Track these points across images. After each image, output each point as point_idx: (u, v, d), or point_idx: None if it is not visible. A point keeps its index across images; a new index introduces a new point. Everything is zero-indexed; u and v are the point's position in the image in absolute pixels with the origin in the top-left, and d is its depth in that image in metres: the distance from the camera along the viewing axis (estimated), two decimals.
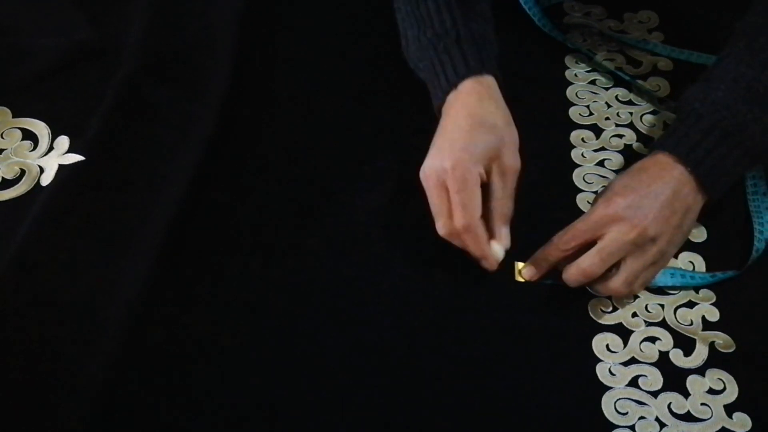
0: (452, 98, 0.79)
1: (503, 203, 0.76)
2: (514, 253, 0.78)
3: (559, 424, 0.69)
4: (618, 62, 0.94)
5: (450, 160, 0.74)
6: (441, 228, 0.75)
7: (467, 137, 0.75)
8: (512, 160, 0.76)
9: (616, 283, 0.73)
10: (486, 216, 0.76)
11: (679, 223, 0.73)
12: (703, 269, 0.78)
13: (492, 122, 0.77)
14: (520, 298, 0.76)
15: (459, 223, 0.74)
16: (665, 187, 0.73)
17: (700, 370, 0.71)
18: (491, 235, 0.76)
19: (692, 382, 0.71)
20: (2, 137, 0.88)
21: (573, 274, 0.73)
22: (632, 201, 0.72)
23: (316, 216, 0.82)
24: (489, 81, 0.80)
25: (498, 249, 0.76)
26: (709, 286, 0.76)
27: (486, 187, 0.75)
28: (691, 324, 0.74)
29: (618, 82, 0.93)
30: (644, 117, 0.89)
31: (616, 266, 0.73)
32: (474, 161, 0.74)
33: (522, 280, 0.77)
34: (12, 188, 0.84)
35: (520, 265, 0.78)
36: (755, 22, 0.78)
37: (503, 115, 0.79)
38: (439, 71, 0.80)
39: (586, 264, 0.72)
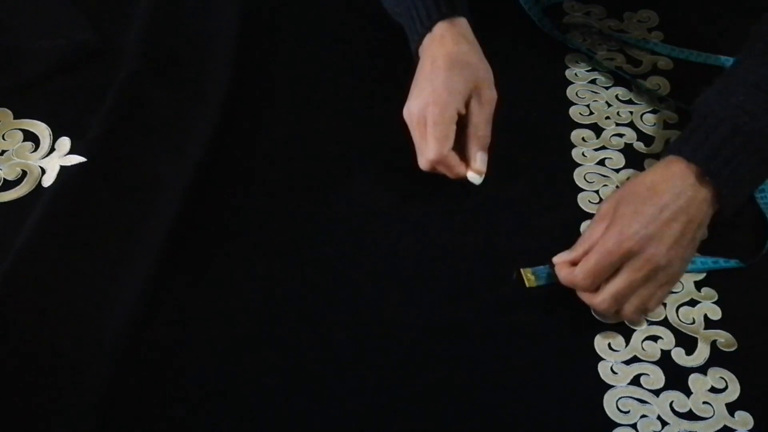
0: (428, 41, 0.83)
1: (479, 127, 0.80)
2: (515, 254, 0.79)
3: (561, 423, 0.69)
4: (618, 61, 0.94)
5: (431, 96, 0.78)
6: (422, 163, 0.80)
7: (446, 75, 0.79)
8: (489, 91, 0.81)
9: (629, 311, 0.71)
10: (464, 144, 0.80)
11: (691, 241, 0.72)
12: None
13: (467, 60, 0.80)
14: (522, 297, 0.76)
15: (431, 155, 0.78)
16: (680, 207, 0.70)
17: (702, 369, 0.71)
18: (467, 161, 0.80)
19: (694, 380, 0.71)
20: (3, 138, 0.88)
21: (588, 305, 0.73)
22: (646, 229, 0.69)
23: (319, 215, 0.82)
24: (461, 22, 0.83)
25: (473, 176, 0.80)
26: (711, 283, 0.77)
27: (463, 120, 0.79)
28: (693, 322, 0.74)
29: (618, 81, 0.93)
30: (644, 116, 0.89)
31: None
32: (453, 97, 0.78)
33: (533, 285, 0.77)
34: (13, 189, 0.84)
35: (528, 272, 0.77)
36: None
37: (477, 53, 0.82)
38: (414, 16, 0.84)
39: (599, 303, 0.71)
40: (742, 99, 0.73)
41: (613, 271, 0.70)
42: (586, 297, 0.73)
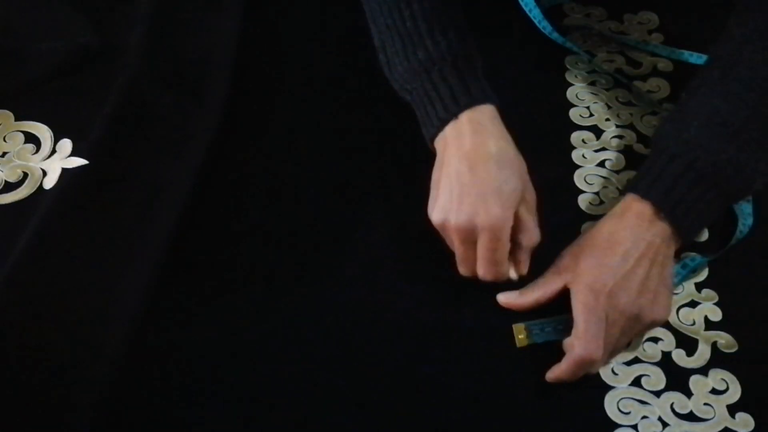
0: (452, 130, 0.75)
1: (531, 235, 0.75)
2: None
3: (562, 423, 0.69)
4: (618, 63, 0.94)
5: (482, 209, 0.71)
6: (465, 272, 0.75)
7: (492, 182, 0.72)
8: (532, 191, 0.76)
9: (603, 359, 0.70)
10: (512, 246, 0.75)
11: (660, 283, 0.70)
12: (706, 270, 0.78)
13: (507, 158, 0.74)
14: None
15: (486, 276, 0.73)
16: (641, 254, 0.70)
17: (703, 370, 0.72)
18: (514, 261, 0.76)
19: (695, 382, 0.71)
20: (5, 140, 0.88)
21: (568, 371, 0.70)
22: (612, 280, 0.69)
23: (320, 218, 0.83)
24: (490, 110, 0.76)
25: (514, 274, 0.76)
26: (711, 285, 0.77)
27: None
28: (694, 324, 0.74)
29: (618, 83, 0.93)
30: (644, 118, 0.90)
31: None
32: (506, 213, 0.71)
33: (524, 344, 0.74)
34: (14, 191, 0.84)
35: (519, 328, 0.74)
36: (729, 49, 0.75)
37: (513, 148, 0.75)
38: (435, 99, 0.76)
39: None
40: (694, 133, 0.72)
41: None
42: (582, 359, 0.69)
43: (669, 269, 0.72)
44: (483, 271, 0.73)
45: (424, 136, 0.78)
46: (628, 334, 0.71)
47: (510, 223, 0.72)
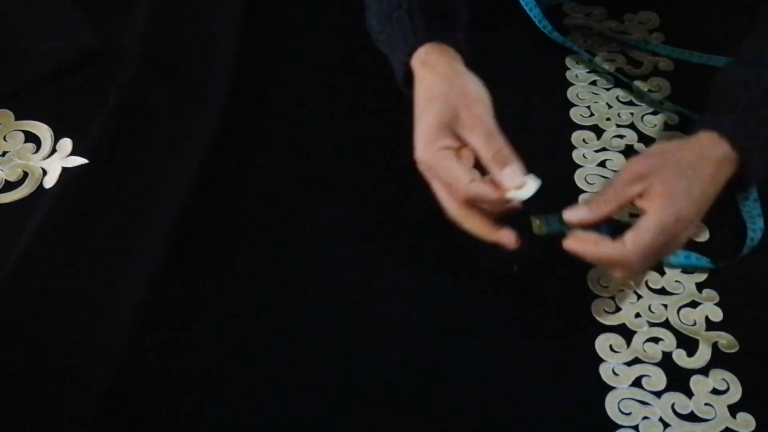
0: (412, 75, 0.76)
1: (483, 150, 0.71)
2: (515, 254, 0.79)
3: (563, 424, 0.69)
4: (619, 63, 0.94)
5: (417, 149, 0.72)
6: (446, 213, 0.73)
7: (419, 119, 0.73)
8: (469, 110, 0.72)
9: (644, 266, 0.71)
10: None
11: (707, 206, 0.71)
12: (706, 270, 0.78)
13: (436, 92, 0.73)
14: (524, 297, 0.77)
15: (458, 199, 0.71)
16: (715, 186, 0.70)
17: (704, 371, 0.72)
18: (499, 185, 0.70)
19: (696, 382, 0.71)
20: (5, 140, 0.88)
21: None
22: (696, 216, 0.70)
23: (320, 215, 0.83)
24: (429, 51, 0.76)
25: (514, 194, 0.70)
26: (712, 285, 0.77)
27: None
28: (695, 324, 0.74)
29: (619, 83, 0.93)
30: (645, 117, 0.89)
31: None
32: (429, 141, 0.71)
33: (541, 232, 0.72)
34: (15, 191, 0.84)
35: (537, 220, 0.72)
36: None
37: (448, 80, 0.74)
38: (394, 45, 0.78)
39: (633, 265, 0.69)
40: None
41: None
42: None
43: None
44: (446, 210, 0.72)
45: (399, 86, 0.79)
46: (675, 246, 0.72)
47: (435, 151, 0.71)
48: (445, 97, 0.73)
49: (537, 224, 0.72)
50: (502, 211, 0.71)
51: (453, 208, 0.71)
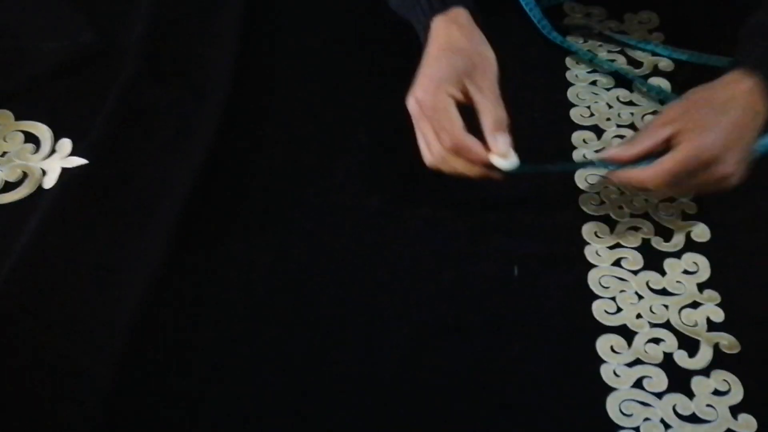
0: (428, 36, 0.80)
1: (488, 111, 0.75)
2: (515, 254, 0.79)
3: (564, 425, 0.69)
4: (619, 63, 0.94)
5: (418, 88, 0.76)
6: (427, 157, 0.76)
7: (432, 63, 0.77)
8: (483, 73, 0.76)
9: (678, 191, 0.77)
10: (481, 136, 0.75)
11: (749, 152, 0.73)
12: (708, 271, 0.78)
13: (457, 46, 0.78)
14: (524, 298, 0.77)
15: (446, 144, 0.73)
16: (751, 121, 0.73)
17: (705, 372, 0.72)
18: (489, 149, 0.74)
19: (697, 383, 0.71)
20: (5, 140, 0.87)
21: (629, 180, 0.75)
22: (723, 141, 0.71)
23: (321, 214, 0.83)
24: (457, 12, 0.80)
25: (498, 160, 0.73)
26: (713, 286, 0.77)
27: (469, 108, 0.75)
28: (696, 325, 0.74)
29: (619, 83, 0.93)
30: (645, 117, 0.89)
31: None
32: (437, 84, 0.75)
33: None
34: (14, 191, 0.84)
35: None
36: None
37: (470, 38, 0.79)
38: (414, 16, 0.82)
39: (650, 177, 0.73)
40: None
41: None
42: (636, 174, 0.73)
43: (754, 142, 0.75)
44: (443, 140, 0.74)
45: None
46: (709, 185, 0.74)
47: (443, 91, 0.75)
48: (466, 52, 0.77)
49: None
50: (477, 174, 0.74)
51: (439, 151, 0.74)
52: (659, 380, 0.71)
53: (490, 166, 0.74)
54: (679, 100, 0.76)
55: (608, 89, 0.92)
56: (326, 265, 0.79)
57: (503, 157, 0.73)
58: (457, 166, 0.74)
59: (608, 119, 0.90)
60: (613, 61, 0.95)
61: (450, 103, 0.74)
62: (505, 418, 0.70)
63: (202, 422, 0.70)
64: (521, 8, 0.94)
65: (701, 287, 0.77)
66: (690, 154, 0.71)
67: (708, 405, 0.70)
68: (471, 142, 0.73)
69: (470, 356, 0.73)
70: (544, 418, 0.70)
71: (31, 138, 0.88)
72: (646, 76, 0.93)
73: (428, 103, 0.74)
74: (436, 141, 0.74)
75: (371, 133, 0.89)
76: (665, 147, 0.72)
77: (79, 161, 0.83)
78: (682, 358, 0.72)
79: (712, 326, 0.74)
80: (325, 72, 0.96)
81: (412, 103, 0.76)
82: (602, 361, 0.72)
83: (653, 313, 0.75)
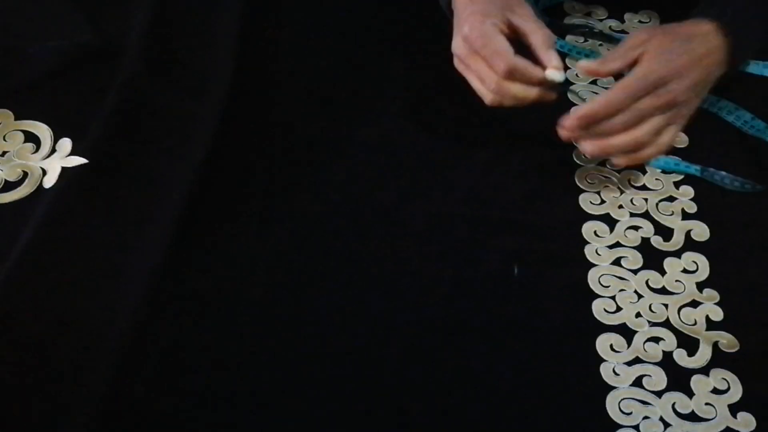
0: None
1: (536, 31, 0.79)
2: (515, 254, 0.79)
3: (564, 424, 0.69)
4: None
5: (465, 25, 0.79)
6: (484, 93, 0.80)
7: (469, 5, 0.81)
8: (522, 5, 0.81)
9: (641, 134, 0.77)
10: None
11: (704, 89, 0.80)
12: (707, 270, 0.78)
13: None
14: (524, 297, 0.77)
15: (500, 69, 0.77)
16: (705, 52, 0.78)
17: (705, 370, 0.72)
18: (543, 66, 0.79)
19: (696, 381, 0.71)
20: (4, 140, 0.88)
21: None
22: (674, 62, 0.76)
23: (321, 215, 0.83)
24: None
25: (554, 74, 0.78)
26: (712, 284, 0.77)
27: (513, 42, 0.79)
28: (695, 324, 0.74)
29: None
30: None
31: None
32: (482, 18, 0.79)
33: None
34: (14, 191, 0.83)
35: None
36: None
37: None
38: None
39: (614, 123, 0.77)
40: None
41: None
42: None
43: (707, 90, 0.81)
44: (497, 67, 0.77)
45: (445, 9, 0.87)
46: (665, 117, 0.77)
47: (490, 21, 0.78)
48: None
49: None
50: (535, 96, 0.79)
51: (495, 81, 0.78)
52: (658, 379, 0.71)
53: (545, 87, 0.78)
54: (645, 28, 0.82)
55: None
56: (326, 265, 0.79)
57: (557, 69, 0.78)
58: (516, 90, 0.78)
59: None
60: None
61: (498, 32, 0.78)
62: (504, 417, 0.70)
63: (202, 422, 0.69)
64: None
65: (700, 286, 0.77)
66: (639, 75, 0.75)
67: (707, 403, 0.70)
68: (524, 62, 0.77)
69: (470, 355, 0.73)
70: (543, 417, 0.70)
71: (31, 137, 0.88)
72: None
73: (477, 35, 0.78)
74: (490, 72, 0.78)
75: (373, 133, 0.89)
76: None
77: (79, 160, 0.83)
78: (681, 357, 0.72)
79: (711, 325, 0.74)
80: (325, 71, 0.96)
81: (459, 44, 0.80)
82: (602, 360, 0.72)
83: (653, 312, 0.75)
